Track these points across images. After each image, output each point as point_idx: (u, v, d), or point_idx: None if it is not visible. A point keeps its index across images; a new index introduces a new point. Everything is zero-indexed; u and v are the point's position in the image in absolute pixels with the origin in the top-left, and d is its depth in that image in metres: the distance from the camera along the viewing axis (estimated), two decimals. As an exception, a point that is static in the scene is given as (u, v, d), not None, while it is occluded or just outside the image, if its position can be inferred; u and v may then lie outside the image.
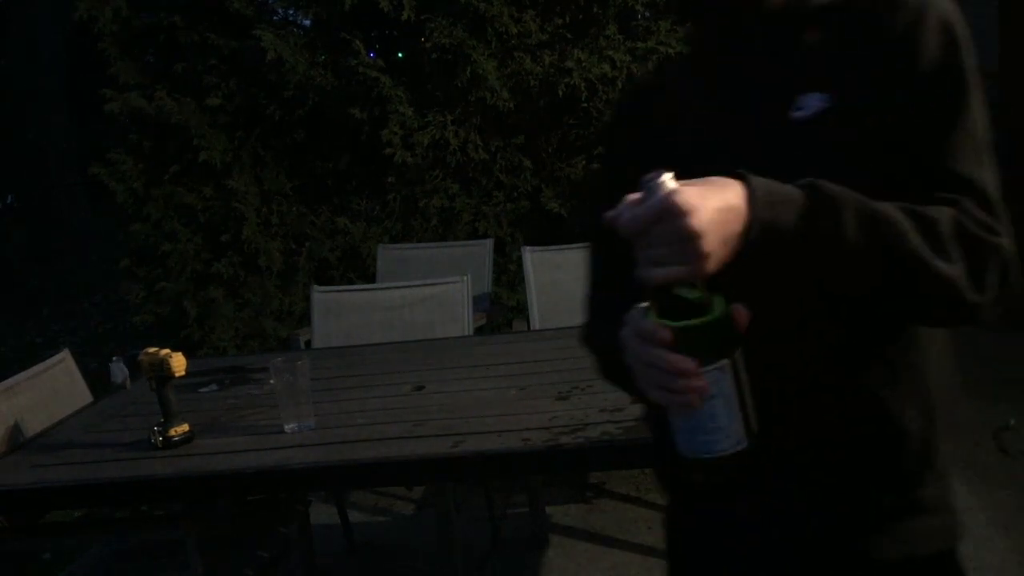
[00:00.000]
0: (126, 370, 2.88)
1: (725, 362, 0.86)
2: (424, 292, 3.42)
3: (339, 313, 3.48)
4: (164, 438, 2.21)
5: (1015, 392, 4.25)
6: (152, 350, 2.25)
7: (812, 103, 0.99)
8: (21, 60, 10.36)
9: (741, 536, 1.11)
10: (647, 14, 4.45)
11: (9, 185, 11.37)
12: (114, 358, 2.94)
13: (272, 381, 2.27)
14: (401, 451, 2.07)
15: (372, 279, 4.26)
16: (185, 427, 2.24)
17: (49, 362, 2.90)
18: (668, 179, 0.85)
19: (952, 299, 0.94)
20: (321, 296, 3.50)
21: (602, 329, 1.09)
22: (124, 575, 2.49)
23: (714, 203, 0.85)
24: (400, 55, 4.90)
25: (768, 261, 0.89)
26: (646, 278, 0.86)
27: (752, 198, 0.87)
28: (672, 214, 0.84)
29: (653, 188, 0.84)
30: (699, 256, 0.84)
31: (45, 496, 2.17)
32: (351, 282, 4.59)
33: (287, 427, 2.25)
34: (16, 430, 2.55)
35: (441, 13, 4.45)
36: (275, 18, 4.94)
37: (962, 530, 1.17)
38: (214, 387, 2.73)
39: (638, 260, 0.87)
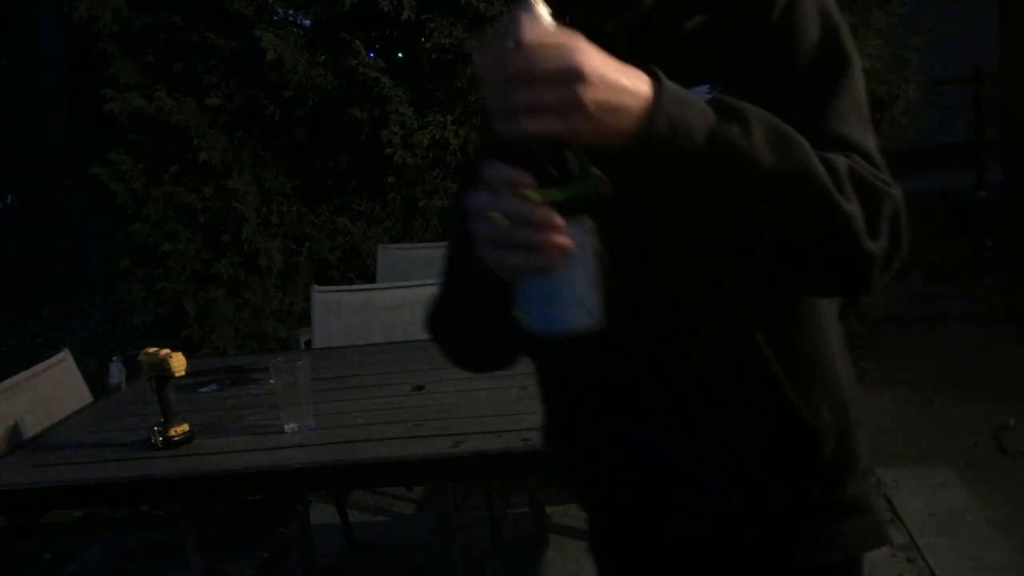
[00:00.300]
0: (124, 371, 2.88)
1: (591, 225, 0.79)
2: (424, 292, 3.41)
3: (339, 313, 3.48)
4: (164, 438, 2.21)
5: (1015, 392, 4.25)
6: (152, 350, 2.25)
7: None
8: (21, 60, 10.36)
9: (678, 483, 1.09)
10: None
11: (9, 185, 11.37)
12: (114, 358, 2.94)
13: (272, 381, 2.27)
14: (401, 451, 2.07)
15: (372, 279, 4.26)
16: (185, 427, 2.24)
17: (49, 362, 2.90)
18: (542, 5, 0.75)
19: (849, 241, 0.88)
20: (321, 296, 3.50)
21: (448, 302, 1.11)
22: (124, 575, 2.49)
23: (612, 66, 0.78)
24: (400, 55, 4.90)
25: (673, 167, 0.81)
26: (509, 129, 0.76)
27: (660, 90, 0.80)
28: (558, 45, 0.76)
29: (524, 9, 0.74)
30: (581, 108, 0.75)
31: (45, 496, 2.17)
32: (351, 282, 4.59)
33: (287, 427, 2.24)
34: (16, 430, 2.54)
35: (441, 13, 4.44)
36: (275, 18, 4.93)
37: (885, 534, 1.17)
38: (214, 387, 2.73)
39: (500, 112, 0.77)
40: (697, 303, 1.00)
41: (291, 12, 4.97)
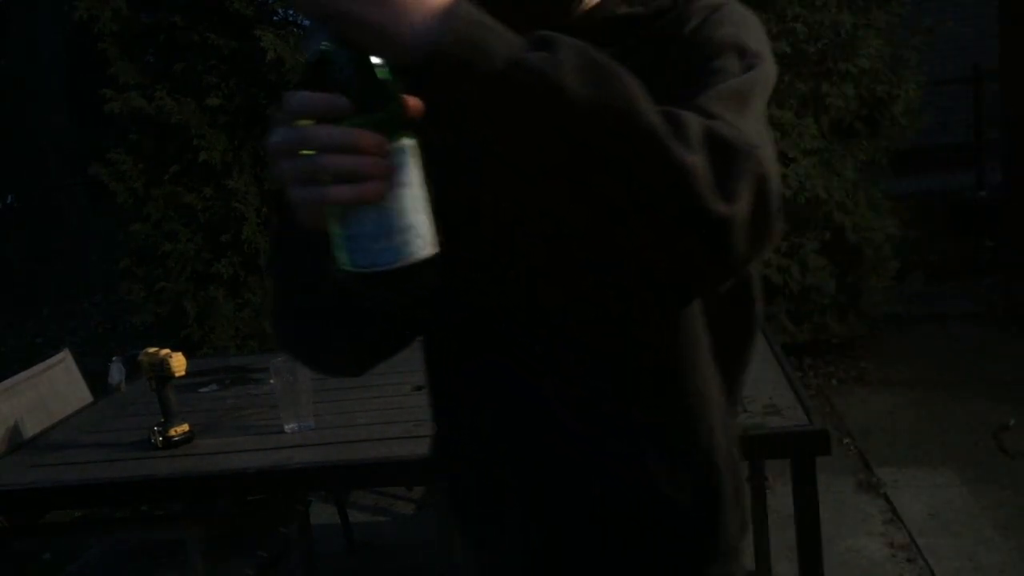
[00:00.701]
0: (124, 371, 2.88)
1: (410, 142, 0.73)
2: (424, 292, 3.41)
3: (339, 313, 3.47)
4: (164, 438, 2.21)
5: (1015, 392, 4.26)
6: (152, 350, 2.25)
7: None
8: (21, 60, 10.36)
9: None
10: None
11: (9, 185, 11.37)
12: (114, 358, 2.94)
13: (272, 381, 2.27)
14: (401, 451, 2.07)
15: (372, 279, 4.26)
16: (185, 427, 2.24)
17: (49, 362, 2.90)
18: None
19: (690, 197, 0.75)
20: (321, 296, 3.50)
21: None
22: (124, 575, 2.49)
23: None
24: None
25: (469, 91, 0.72)
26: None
27: (457, 6, 0.72)
28: None
29: None
30: None
31: (45, 496, 2.17)
32: (351, 282, 4.58)
33: (287, 427, 2.24)
34: (16, 430, 2.55)
35: (441, 13, 4.44)
36: (275, 18, 4.93)
37: None
38: (214, 387, 2.73)
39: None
40: (534, 238, 0.88)
41: (291, 12, 4.97)
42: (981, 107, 7.78)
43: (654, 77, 0.82)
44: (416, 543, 3.44)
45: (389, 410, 2.36)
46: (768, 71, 0.90)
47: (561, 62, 0.73)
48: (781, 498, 3.16)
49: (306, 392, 2.24)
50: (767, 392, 2.15)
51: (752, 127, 0.83)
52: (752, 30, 0.93)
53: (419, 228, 0.73)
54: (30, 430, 2.57)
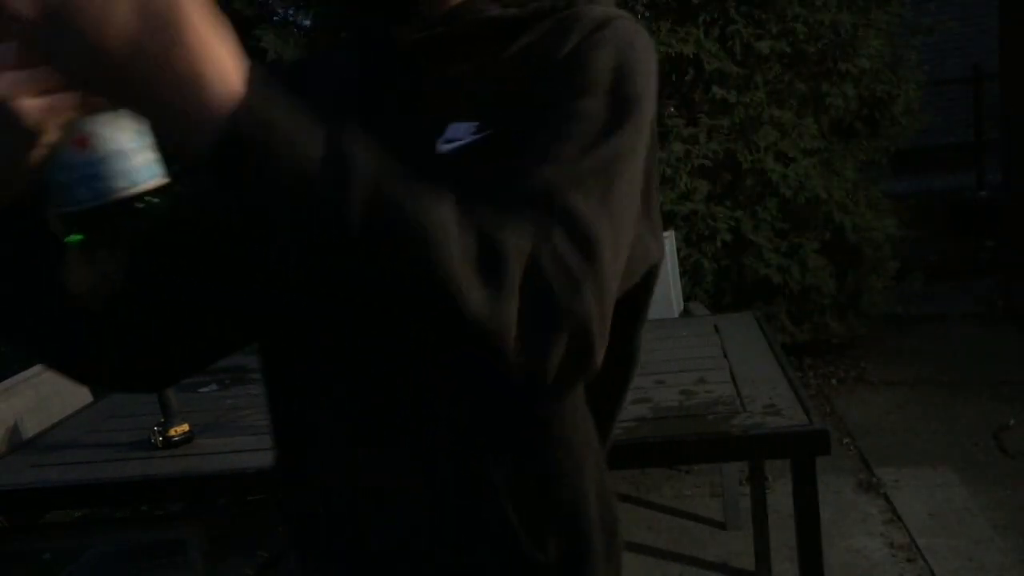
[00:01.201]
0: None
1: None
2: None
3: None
4: (164, 438, 2.21)
5: (1015, 392, 4.26)
6: (152, 350, 2.25)
7: (460, 133, 0.81)
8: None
9: None
10: (647, 14, 4.44)
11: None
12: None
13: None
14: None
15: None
16: (185, 427, 2.24)
17: (49, 362, 2.90)
18: None
19: (491, 355, 0.66)
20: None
21: None
22: (124, 575, 2.49)
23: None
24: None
25: (244, 193, 0.61)
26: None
27: (255, 77, 0.62)
28: None
29: None
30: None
31: (45, 496, 2.17)
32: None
33: (287, 427, 2.24)
34: (16, 430, 2.55)
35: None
36: (275, 18, 4.94)
37: None
38: (214, 387, 2.73)
39: None
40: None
41: (291, 12, 4.97)
42: (981, 107, 7.79)
43: (524, 100, 0.78)
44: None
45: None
46: (644, 120, 0.80)
47: (350, 183, 0.62)
48: (781, 498, 3.16)
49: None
50: (767, 392, 2.15)
51: (608, 223, 0.73)
52: (639, 57, 0.82)
53: (140, 149, 0.67)
54: (30, 430, 2.57)
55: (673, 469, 3.80)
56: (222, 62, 0.60)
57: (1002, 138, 5.97)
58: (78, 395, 2.93)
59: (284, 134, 0.61)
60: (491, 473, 0.83)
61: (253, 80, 0.61)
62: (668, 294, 3.72)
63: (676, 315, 3.66)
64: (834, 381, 4.74)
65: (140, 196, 0.67)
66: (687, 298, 4.12)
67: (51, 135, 0.63)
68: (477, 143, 0.80)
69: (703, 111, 4.46)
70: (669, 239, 3.82)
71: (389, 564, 0.87)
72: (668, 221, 4.30)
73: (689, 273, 4.39)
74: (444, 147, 0.80)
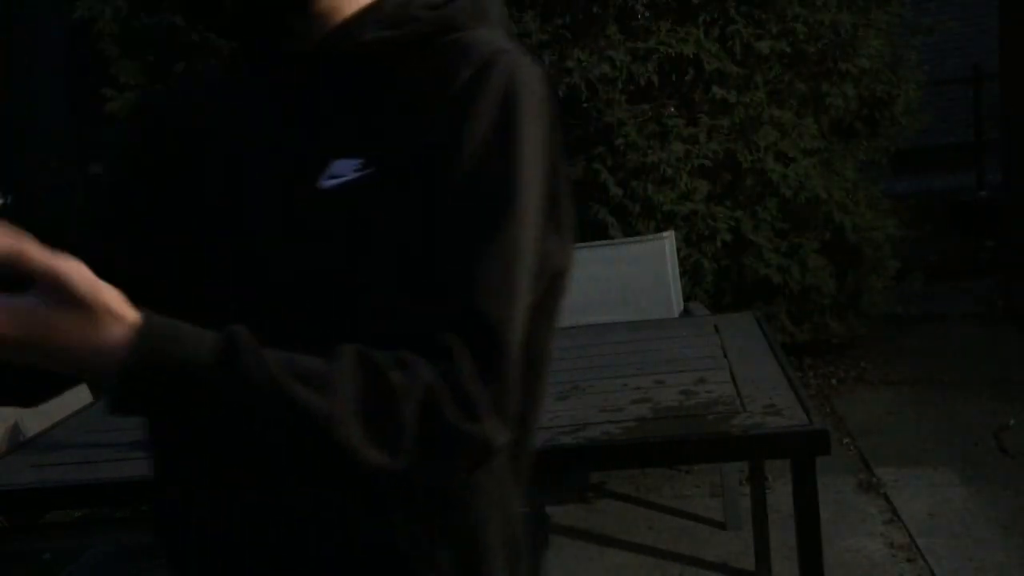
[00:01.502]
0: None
1: None
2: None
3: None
4: (164, 438, 2.21)
5: (1015, 392, 4.25)
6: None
7: (343, 170, 0.81)
8: (21, 60, 10.36)
9: None
10: (647, 14, 4.44)
11: (8, 185, 11.38)
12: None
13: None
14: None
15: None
16: (185, 427, 2.24)
17: (49, 362, 2.90)
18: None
19: (386, 479, 0.73)
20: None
21: None
22: (124, 575, 2.48)
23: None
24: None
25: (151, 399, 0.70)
26: None
27: (143, 319, 0.68)
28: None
29: None
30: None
31: (45, 496, 2.16)
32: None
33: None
34: (16, 430, 2.54)
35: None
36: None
37: None
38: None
39: None
40: None
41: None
42: (981, 107, 7.78)
43: (409, 140, 0.79)
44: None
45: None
46: (533, 162, 0.80)
47: (245, 387, 0.69)
48: (781, 498, 3.16)
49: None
50: (767, 392, 2.14)
51: (509, 300, 0.77)
52: (527, 99, 0.81)
53: None
54: (30, 430, 2.57)
55: (673, 469, 3.80)
56: (109, 325, 0.67)
57: (1002, 138, 5.96)
58: (78, 395, 2.92)
59: (174, 361, 0.68)
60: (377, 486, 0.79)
61: (141, 323, 0.68)
62: (668, 294, 3.72)
63: (676, 315, 3.66)
64: (834, 381, 4.74)
65: None
66: (687, 298, 4.12)
67: None
68: (362, 180, 0.80)
69: (703, 111, 4.46)
70: (669, 239, 3.82)
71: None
72: (668, 221, 4.31)
73: (689, 273, 4.39)
74: (327, 183, 0.81)
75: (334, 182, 0.81)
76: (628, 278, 3.77)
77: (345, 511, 0.83)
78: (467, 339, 0.74)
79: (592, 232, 4.26)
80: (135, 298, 0.70)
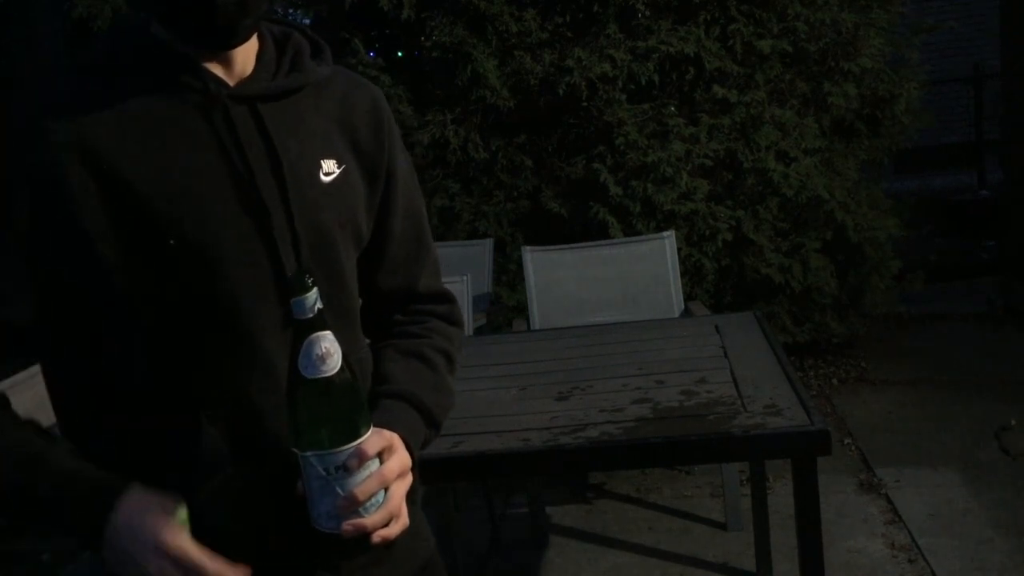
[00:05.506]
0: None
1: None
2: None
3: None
4: (163, 438, 2.20)
5: (1016, 392, 4.25)
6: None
7: (331, 167, 1.16)
8: (21, 59, 10.36)
9: None
10: (647, 13, 4.44)
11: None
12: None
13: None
14: (401, 451, 2.06)
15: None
16: (184, 427, 2.23)
17: (49, 362, 2.89)
18: None
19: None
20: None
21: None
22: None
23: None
24: (400, 54, 4.90)
25: None
26: None
27: None
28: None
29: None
30: None
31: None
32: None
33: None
34: (15, 430, 2.53)
35: (441, 12, 4.44)
36: (275, 18, 4.93)
37: None
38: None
39: None
40: None
41: (291, 11, 4.96)
42: (981, 107, 7.78)
43: (361, 152, 1.18)
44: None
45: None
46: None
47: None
48: (781, 498, 3.16)
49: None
50: (767, 392, 2.14)
51: (440, 281, 1.37)
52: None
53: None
54: (29, 430, 2.56)
55: (674, 469, 3.80)
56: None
57: (1002, 138, 5.96)
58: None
59: None
60: None
61: None
62: (668, 294, 3.72)
63: (676, 315, 3.66)
64: (835, 381, 4.74)
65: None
66: (688, 298, 4.11)
67: None
68: (340, 176, 1.16)
69: (704, 110, 4.46)
70: (670, 239, 3.82)
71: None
72: (669, 221, 4.30)
73: (690, 273, 4.38)
74: (325, 178, 1.15)
75: (328, 178, 1.15)
76: (628, 278, 3.76)
77: None
78: (451, 303, 1.36)
79: (592, 232, 4.26)
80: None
